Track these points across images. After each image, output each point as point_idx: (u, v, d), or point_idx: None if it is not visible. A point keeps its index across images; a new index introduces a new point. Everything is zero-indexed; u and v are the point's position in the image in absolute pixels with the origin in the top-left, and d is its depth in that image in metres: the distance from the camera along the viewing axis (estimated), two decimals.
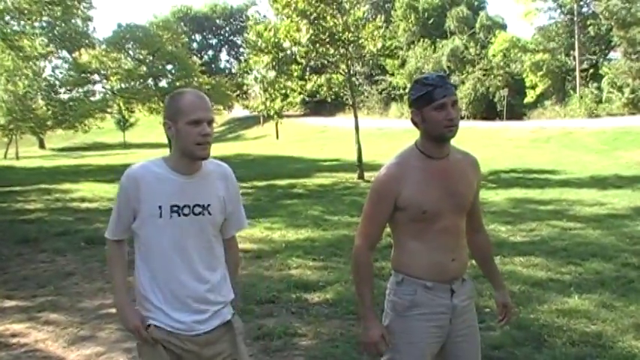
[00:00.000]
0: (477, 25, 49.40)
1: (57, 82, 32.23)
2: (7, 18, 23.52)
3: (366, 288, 2.65)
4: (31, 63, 28.55)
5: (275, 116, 20.85)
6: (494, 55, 46.20)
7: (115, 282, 2.62)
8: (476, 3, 53.78)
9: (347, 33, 16.77)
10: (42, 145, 54.07)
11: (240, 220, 2.75)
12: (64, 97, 31.18)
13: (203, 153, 2.44)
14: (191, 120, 2.39)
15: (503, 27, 50.76)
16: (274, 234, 9.36)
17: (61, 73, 33.35)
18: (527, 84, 45.19)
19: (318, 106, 53.89)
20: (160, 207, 2.44)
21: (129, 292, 2.60)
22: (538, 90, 44.39)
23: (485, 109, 45.20)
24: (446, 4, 52.42)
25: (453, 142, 2.61)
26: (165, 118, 2.47)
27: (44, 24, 28.91)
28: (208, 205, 2.51)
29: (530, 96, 44.66)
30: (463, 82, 46.56)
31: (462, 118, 41.84)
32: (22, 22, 25.39)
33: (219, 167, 2.63)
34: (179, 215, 2.46)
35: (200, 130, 2.39)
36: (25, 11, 22.81)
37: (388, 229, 2.69)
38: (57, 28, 29.18)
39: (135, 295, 2.57)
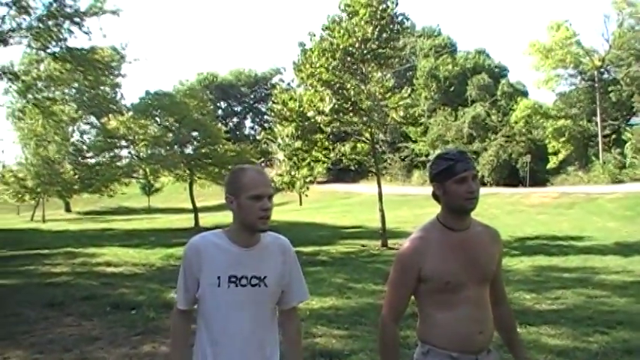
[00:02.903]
0: (499, 93, 49.72)
1: (84, 147, 32.96)
2: (40, 85, 24.28)
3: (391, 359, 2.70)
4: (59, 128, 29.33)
5: (301, 189, 20.42)
6: (516, 122, 46.32)
7: (173, 356, 2.70)
8: (497, 70, 54.34)
9: (367, 102, 17.01)
10: (68, 209, 54.57)
11: (300, 291, 2.80)
12: (91, 161, 31.78)
13: (264, 226, 2.56)
14: (253, 195, 2.51)
15: (525, 94, 50.92)
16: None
17: (88, 138, 34.21)
18: (550, 150, 45.16)
19: (341, 172, 54.05)
20: (218, 277, 2.54)
21: None
22: (561, 156, 44.33)
23: (508, 176, 45.09)
24: (467, 72, 53.01)
25: (475, 213, 2.69)
26: (227, 193, 2.59)
27: (74, 90, 29.83)
28: (265, 277, 2.59)
29: (552, 162, 44.58)
30: (485, 149, 46.65)
31: (485, 184, 41.95)
32: (53, 89, 26.21)
33: (278, 240, 2.73)
34: (236, 286, 2.54)
35: (261, 204, 2.51)
36: (56, 78, 23.58)
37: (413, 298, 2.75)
38: (86, 94, 30.04)
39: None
